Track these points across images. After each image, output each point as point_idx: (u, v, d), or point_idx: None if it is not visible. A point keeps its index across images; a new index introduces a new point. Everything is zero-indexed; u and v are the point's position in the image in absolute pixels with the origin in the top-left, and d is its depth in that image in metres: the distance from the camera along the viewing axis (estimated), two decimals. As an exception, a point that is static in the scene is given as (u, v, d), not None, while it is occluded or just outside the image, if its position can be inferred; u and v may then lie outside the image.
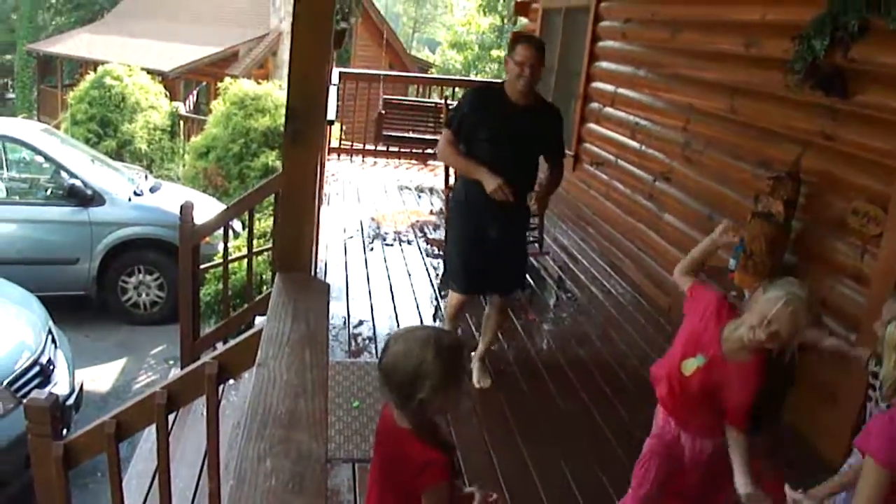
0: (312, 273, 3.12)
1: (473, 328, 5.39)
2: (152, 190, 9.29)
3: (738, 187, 5.32)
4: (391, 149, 11.39)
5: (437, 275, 6.56)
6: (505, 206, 4.17)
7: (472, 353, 4.83)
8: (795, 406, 3.71)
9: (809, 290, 2.61)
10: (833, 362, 3.49)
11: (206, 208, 7.92)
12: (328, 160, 9.88)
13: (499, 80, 4.78)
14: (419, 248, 7.33)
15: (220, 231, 6.02)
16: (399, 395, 2.10)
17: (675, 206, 6.26)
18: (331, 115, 8.29)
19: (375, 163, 11.33)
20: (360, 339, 5.25)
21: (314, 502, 1.60)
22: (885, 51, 4.04)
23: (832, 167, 4.41)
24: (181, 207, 5.60)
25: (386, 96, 11.10)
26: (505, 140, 4.21)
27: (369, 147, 11.51)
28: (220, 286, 6.42)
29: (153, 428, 3.13)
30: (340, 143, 11.74)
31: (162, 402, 2.98)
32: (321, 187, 7.76)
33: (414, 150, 11.31)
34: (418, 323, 5.57)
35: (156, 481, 3.46)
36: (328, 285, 3.02)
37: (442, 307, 5.73)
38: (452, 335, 2.31)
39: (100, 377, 7.67)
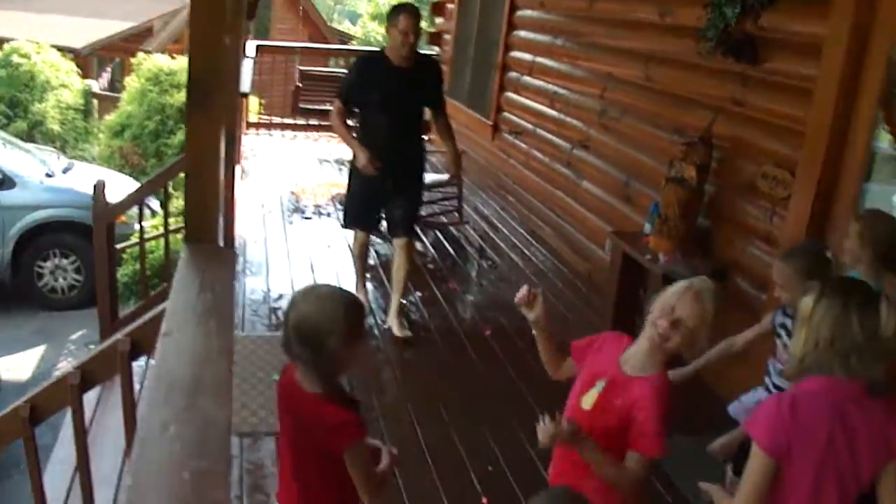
0: (224, 244, 3.08)
1: (388, 285, 5.48)
2: (65, 171, 9.06)
3: (654, 154, 5.40)
4: (311, 122, 11.27)
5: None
6: (396, 166, 4.69)
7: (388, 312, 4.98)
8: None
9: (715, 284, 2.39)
10: (742, 322, 3.53)
11: (123, 188, 7.71)
12: (245, 134, 9.71)
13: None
14: (339, 221, 7.26)
15: (136, 210, 5.88)
16: (308, 347, 2.09)
17: (593, 173, 6.34)
18: (245, 87, 8.17)
19: (295, 136, 11.12)
20: (279, 312, 5.16)
21: (217, 467, 1.60)
22: (794, 19, 4.14)
23: (743, 132, 4.52)
24: (94, 186, 5.46)
25: (302, 68, 10.95)
26: (392, 103, 4.64)
27: (288, 121, 11.37)
28: (138, 266, 6.31)
29: (75, 414, 3.06)
30: (259, 118, 11.55)
31: (75, 382, 2.91)
32: (238, 161, 7.64)
33: (332, 123, 11.14)
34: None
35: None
36: (235, 254, 3.00)
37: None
38: (353, 295, 2.31)
39: (18, 366, 7.47)
